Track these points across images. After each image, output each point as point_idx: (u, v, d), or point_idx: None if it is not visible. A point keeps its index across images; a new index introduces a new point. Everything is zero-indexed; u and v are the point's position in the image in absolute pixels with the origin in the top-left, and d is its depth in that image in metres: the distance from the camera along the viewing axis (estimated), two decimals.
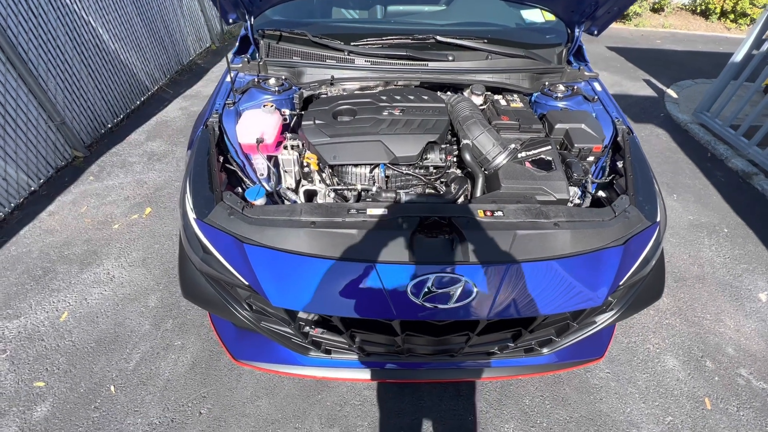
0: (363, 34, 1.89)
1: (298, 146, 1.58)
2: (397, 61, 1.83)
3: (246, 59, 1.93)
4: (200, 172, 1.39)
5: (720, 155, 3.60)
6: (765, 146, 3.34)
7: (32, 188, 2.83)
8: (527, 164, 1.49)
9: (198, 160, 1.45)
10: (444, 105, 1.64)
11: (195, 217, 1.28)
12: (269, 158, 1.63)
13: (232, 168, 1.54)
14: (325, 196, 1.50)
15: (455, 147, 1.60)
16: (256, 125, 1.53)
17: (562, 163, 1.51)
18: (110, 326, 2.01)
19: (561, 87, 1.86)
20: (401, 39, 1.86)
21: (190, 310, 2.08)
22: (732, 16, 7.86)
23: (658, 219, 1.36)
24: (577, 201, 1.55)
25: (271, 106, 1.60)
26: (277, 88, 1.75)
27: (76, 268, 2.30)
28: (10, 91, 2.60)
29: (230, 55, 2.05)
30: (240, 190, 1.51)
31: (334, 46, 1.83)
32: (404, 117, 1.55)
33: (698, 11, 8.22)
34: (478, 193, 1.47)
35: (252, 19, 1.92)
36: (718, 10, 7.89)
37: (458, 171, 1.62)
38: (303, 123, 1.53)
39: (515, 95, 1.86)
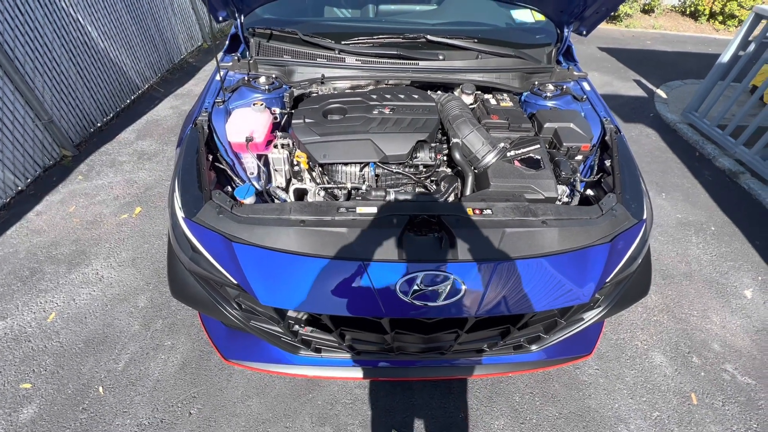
0: (354, 33, 1.89)
1: (288, 145, 1.57)
2: (388, 60, 1.84)
3: (236, 58, 1.92)
4: (189, 171, 1.38)
5: (708, 155, 3.65)
6: (751, 146, 3.40)
7: (19, 188, 2.78)
8: (516, 163, 1.51)
9: (187, 158, 1.44)
10: (434, 104, 1.65)
11: (183, 215, 1.27)
12: (259, 157, 1.63)
13: (222, 167, 1.54)
14: (315, 195, 1.50)
15: (445, 146, 1.61)
16: (245, 124, 1.53)
17: (550, 162, 1.52)
18: (99, 327, 1.98)
19: (550, 86, 1.87)
20: (392, 38, 1.86)
21: (180, 310, 2.07)
22: (720, 18, 7.98)
23: (644, 217, 1.37)
24: (565, 199, 1.57)
25: (261, 104, 1.60)
26: (267, 87, 1.74)
27: (64, 269, 2.27)
28: None
29: (221, 54, 2.04)
30: (230, 189, 1.50)
31: (324, 45, 1.83)
32: (394, 116, 1.55)
33: (688, 13, 8.33)
34: (468, 191, 1.48)
35: (242, 18, 1.91)
36: (707, 12, 8.01)
37: (449, 170, 1.63)
38: (293, 122, 1.53)
39: (505, 94, 1.87)
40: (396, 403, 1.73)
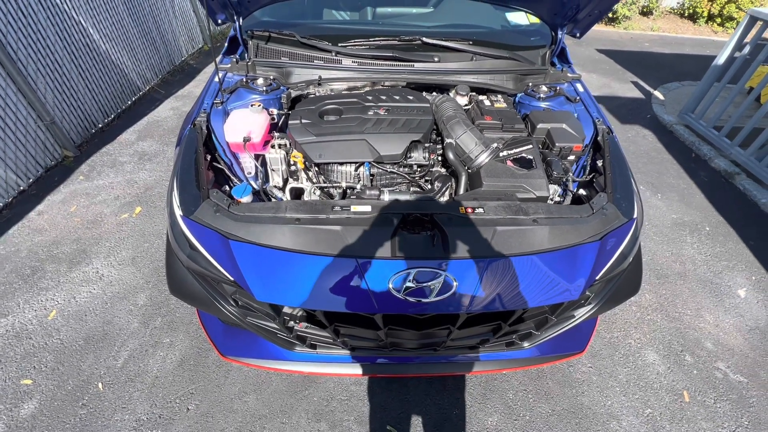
0: (350, 36, 1.92)
1: (285, 145, 1.60)
2: (384, 62, 1.87)
3: (235, 59, 1.95)
4: (187, 170, 1.41)
5: (704, 155, 3.68)
6: (746, 147, 3.42)
7: (21, 187, 2.82)
8: (509, 163, 1.53)
9: (185, 158, 1.47)
10: (428, 105, 1.68)
11: (181, 214, 1.29)
12: (257, 157, 1.66)
13: (220, 167, 1.57)
14: (310, 194, 1.52)
15: (439, 146, 1.64)
16: (243, 124, 1.56)
17: (542, 162, 1.55)
18: (99, 324, 2.01)
19: (544, 88, 1.90)
20: (388, 40, 1.89)
21: (179, 307, 2.10)
22: (719, 20, 8.01)
23: (634, 215, 1.40)
24: (557, 198, 1.59)
25: (259, 105, 1.63)
26: (265, 88, 1.77)
27: (65, 267, 2.30)
28: None
29: (220, 56, 2.08)
30: (227, 188, 1.53)
31: (321, 47, 1.86)
32: (389, 116, 1.58)
33: (686, 15, 8.37)
34: (462, 190, 1.50)
35: (240, 20, 1.94)
36: (705, 14, 8.04)
37: (443, 170, 1.66)
38: (289, 122, 1.56)
39: (499, 96, 1.90)
40: (391, 400, 1.76)
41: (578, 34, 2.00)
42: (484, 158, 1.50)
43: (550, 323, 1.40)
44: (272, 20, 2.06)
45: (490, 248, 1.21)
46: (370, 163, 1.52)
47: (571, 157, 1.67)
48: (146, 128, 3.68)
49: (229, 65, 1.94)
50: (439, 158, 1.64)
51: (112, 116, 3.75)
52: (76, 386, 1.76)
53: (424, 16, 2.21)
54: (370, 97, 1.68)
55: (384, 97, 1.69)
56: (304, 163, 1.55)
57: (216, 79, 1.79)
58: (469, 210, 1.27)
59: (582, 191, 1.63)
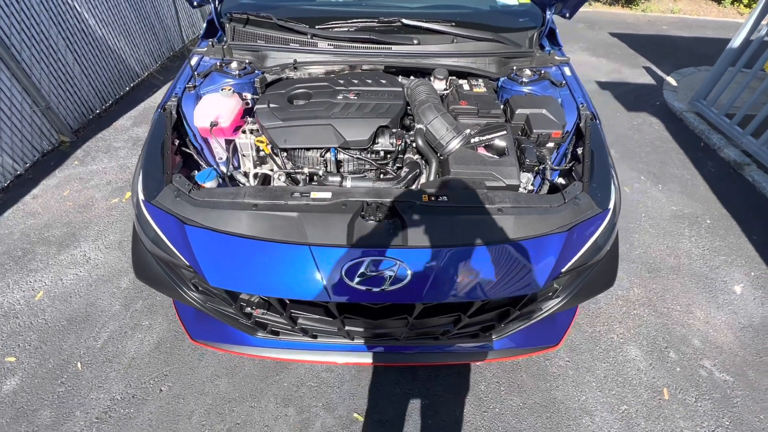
0: (329, 17, 1.86)
1: (256, 130, 1.58)
2: (360, 45, 1.81)
3: (211, 43, 1.92)
4: (153, 155, 1.40)
5: (713, 145, 3.50)
6: (759, 136, 3.24)
7: (18, 172, 2.88)
8: (481, 149, 1.48)
9: (152, 143, 1.46)
10: (401, 89, 1.62)
11: (143, 198, 1.29)
12: (228, 142, 1.64)
13: (189, 151, 1.56)
14: (275, 180, 1.50)
15: (408, 132, 1.59)
16: (212, 109, 1.53)
17: (517, 149, 1.49)
18: (82, 306, 2.06)
19: (527, 72, 1.81)
20: (366, 22, 1.83)
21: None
22: (746, 1, 7.54)
23: (610, 206, 1.33)
24: (530, 187, 1.53)
25: (230, 89, 1.60)
26: (238, 72, 1.74)
27: (55, 250, 2.36)
28: None
29: (199, 40, 2.05)
30: (196, 173, 1.52)
31: (296, 29, 1.81)
32: (358, 101, 1.54)
33: None
34: (432, 177, 1.46)
35: (217, 2, 1.91)
36: None
37: (417, 156, 1.61)
38: (256, 106, 1.53)
39: (480, 80, 1.82)
40: (360, 389, 1.76)
41: (567, 14, 1.90)
42: (455, 144, 1.45)
43: (513, 315, 1.36)
44: (252, 2, 2.02)
45: (449, 237, 1.18)
46: (336, 148, 1.48)
47: (551, 145, 1.60)
48: (142, 114, 3.71)
49: (206, 49, 1.91)
50: (413, 144, 1.59)
51: (110, 102, 3.78)
52: (57, 365, 1.82)
53: None
54: (341, 81, 1.64)
55: (356, 81, 1.64)
56: (271, 148, 1.52)
57: (193, 62, 1.76)
58: (432, 198, 1.23)
59: (561, 180, 1.57)
